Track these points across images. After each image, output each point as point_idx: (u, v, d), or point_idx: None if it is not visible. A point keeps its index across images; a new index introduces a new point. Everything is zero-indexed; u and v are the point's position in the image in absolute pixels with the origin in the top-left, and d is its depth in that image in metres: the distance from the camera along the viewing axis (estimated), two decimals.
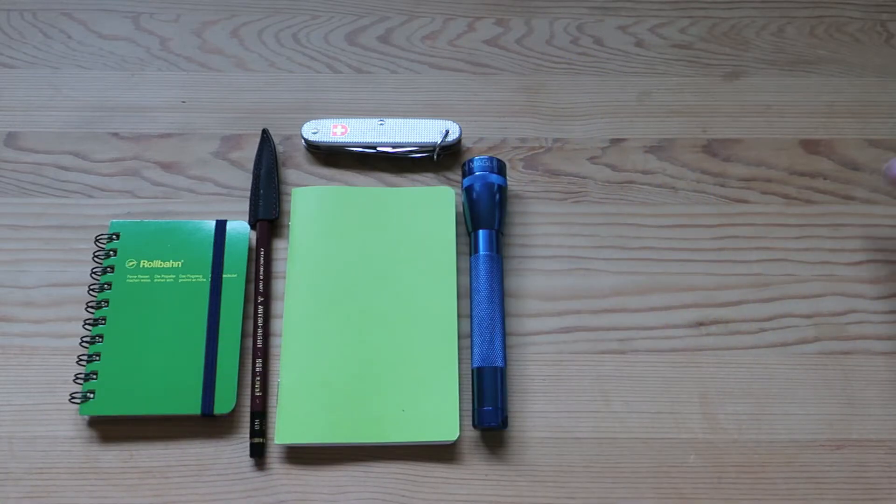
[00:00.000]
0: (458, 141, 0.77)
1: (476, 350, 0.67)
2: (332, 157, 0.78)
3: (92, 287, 0.70)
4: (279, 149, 0.78)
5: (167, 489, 0.64)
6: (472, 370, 0.67)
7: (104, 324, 0.68)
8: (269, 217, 0.73)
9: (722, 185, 0.76)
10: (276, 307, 0.70)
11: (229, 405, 0.65)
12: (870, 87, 0.82)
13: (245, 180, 0.76)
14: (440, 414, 0.65)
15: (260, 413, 0.65)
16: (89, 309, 0.69)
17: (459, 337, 0.68)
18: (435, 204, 0.74)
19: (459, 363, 0.68)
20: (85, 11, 0.85)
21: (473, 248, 0.71)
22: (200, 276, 0.70)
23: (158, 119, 0.79)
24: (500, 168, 0.74)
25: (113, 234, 0.72)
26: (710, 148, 0.78)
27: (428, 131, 0.77)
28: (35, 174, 0.76)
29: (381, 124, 0.77)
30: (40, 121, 0.79)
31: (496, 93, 0.81)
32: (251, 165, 0.76)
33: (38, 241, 0.73)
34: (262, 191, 0.74)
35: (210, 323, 0.68)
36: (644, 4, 0.86)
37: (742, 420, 0.67)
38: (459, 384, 0.67)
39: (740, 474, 0.65)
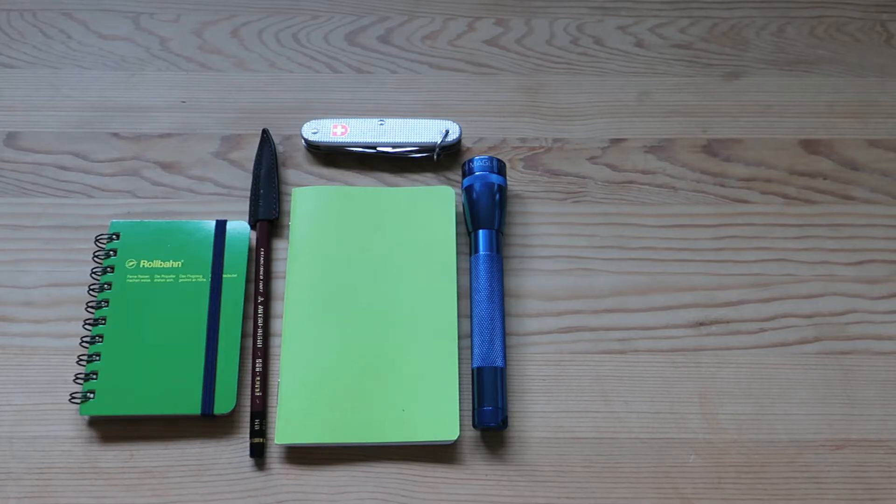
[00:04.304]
0: (458, 141, 0.77)
1: (476, 350, 0.67)
2: (332, 157, 0.78)
3: (92, 287, 0.70)
4: (279, 149, 0.78)
5: (167, 489, 0.64)
6: (472, 370, 0.67)
7: (104, 324, 0.68)
8: (269, 217, 0.73)
9: (722, 185, 0.76)
10: (276, 307, 0.70)
11: (229, 405, 0.65)
12: (870, 87, 0.82)
13: (245, 180, 0.76)
14: (440, 414, 0.65)
15: (260, 413, 0.65)
16: (89, 309, 0.69)
17: (459, 337, 0.68)
18: (435, 204, 0.74)
19: (459, 363, 0.68)
20: (85, 11, 0.85)
21: (473, 248, 0.71)
22: (200, 276, 0.70)
23: (158, 119, 0.79)
24: (500, 168, 0.74)
25: (113, 234, 0.72)
26: (710, 148, 0.78)
27: (428, 131, 0.77)
28: (35, 174, 0.76)
29: (381, 124, 0.77)
30: (40, 121, 0.79)
31: (496, 93, 0.81)
32: (251, 165, 0.76)
33: (38, 241, 0.73)
34: (262, 191, 0.74)
35: (210, 323, 0.68)
36: (644, 4, 0.86)
37: (742, 420, 0.67)
38: (459, 384, 0.67)
39: (740, 474, 0.65)
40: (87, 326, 0.68)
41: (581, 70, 0.83)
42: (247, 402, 0.66)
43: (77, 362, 0.67)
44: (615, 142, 0.79)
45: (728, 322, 0.70)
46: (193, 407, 0.65)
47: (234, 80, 0.81)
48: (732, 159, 0.78)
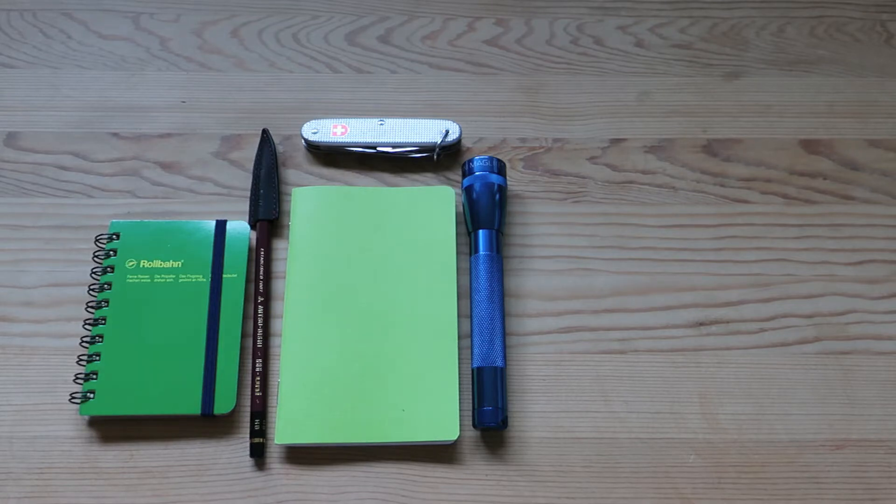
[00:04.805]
0: (458, 141, 0.77)
1: (476, 350, 0.67)
2: (332, 157, 0.78)
3: (92, 287, 0.70)
4: (279, 149, 0.78)
5: (167, 489, 0.64)
6: (472, 370, 0.67)
7: (104, 324, 0.68)
8: (269, 217, 0.73)
9: (722, 185, 0.76)
10: (276, 307, 0.70)
11: (229, 405, 0.65)
12: (870, 87, 0.82)
13: (245, 180, 0.76)
14: (440, 414, 0.65)
15: (260, 413, 0.65)
16: (89, 309, 0.69)
17: (459, 337, 0.68)
18: (435, 204, 0.74)
19: (459, 363, 0.68)
20: (85, 11, 0.85)
21: (473, 248, 0.71)
22: (200, 276, 0.70)
23: (158, 119, 0.79)
24: (500, 168, 0.74)
25: (113, 234, 0.72)
26: (710, 148, 0.78)
27: (428, 131, 0.77)
28: (35, 174, 0.76)
29: (381, 124, 0.77)
30: (40, 121, 0.79)
31: (496, 93, 0.81)
32: (251, 165, 0.76)
33: (38, 241, 0.73)
34: (262, 191, 0.74)
35: (210, 323, 0.68)
36: (644, 4, 0.86)
37: (742, 420, 0.67)
38: (459, 384, 0.67)
39: (740, 474, 0.65)
40: (87, 326, 0.68)
41: (581, 70, 0.83)
42: (247, 402, 0.66)
43: (77, 362, 0.67)
44: (615, 142, 0.79)
45: (728, 322, 0.70)
46: (193, 407, 0.65)
47: (234, 80, 0.81)
48: (732, 159, 0.78)
